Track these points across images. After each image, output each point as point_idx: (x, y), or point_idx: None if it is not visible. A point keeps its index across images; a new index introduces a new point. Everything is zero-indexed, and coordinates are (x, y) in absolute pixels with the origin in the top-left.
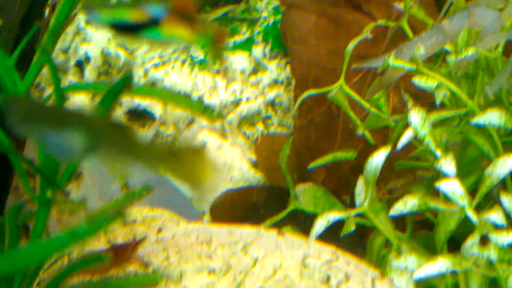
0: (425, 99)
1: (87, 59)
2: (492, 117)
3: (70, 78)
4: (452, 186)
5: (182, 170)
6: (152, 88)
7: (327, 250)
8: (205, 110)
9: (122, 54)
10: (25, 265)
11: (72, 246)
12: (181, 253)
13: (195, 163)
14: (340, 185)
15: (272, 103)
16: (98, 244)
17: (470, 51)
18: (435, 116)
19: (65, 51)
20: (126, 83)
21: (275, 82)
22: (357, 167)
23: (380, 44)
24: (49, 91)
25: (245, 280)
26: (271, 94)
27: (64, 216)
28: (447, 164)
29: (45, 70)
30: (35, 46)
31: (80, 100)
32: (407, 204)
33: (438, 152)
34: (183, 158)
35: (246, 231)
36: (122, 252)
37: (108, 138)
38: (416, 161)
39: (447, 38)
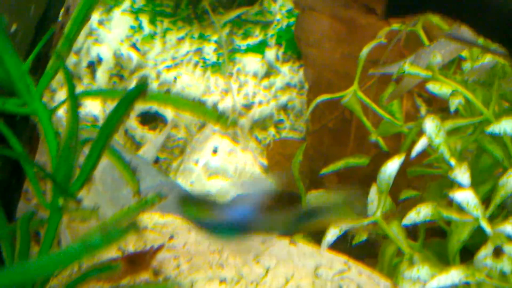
0: (437, 104)
1: (99, 60)
2: (507, 126)
3: (82, 80)
4: (466, 196)
5: None
6: (167, 95)
7: (339, 260)
8: (220, 117)
9: (135, 56)
10: (37, 277)
11: (85, 257)
12: (192, 261)
13: None
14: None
15: (284, 107)
16: (109, 251)
17: (487, 58)
18: (450, 124)
19: (77, 52)
20: (141, 91)
21: (287, 86)
22: (370, 173)
23: (394, 48)
24: (60, 92)
25: None
26: (283, 98)
27: (74, 222)
28: (462, 174)
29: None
30: (50, 51)
31: (91, 103)
32: (420, 213)
33: (453, 162)
34: None
35: (257, 239)
36: (139, 260)
37: None
38: (429, 168)
39: (466, 44)
